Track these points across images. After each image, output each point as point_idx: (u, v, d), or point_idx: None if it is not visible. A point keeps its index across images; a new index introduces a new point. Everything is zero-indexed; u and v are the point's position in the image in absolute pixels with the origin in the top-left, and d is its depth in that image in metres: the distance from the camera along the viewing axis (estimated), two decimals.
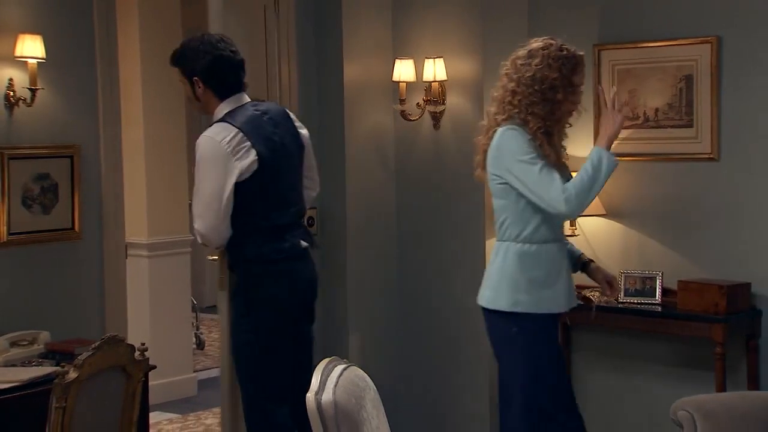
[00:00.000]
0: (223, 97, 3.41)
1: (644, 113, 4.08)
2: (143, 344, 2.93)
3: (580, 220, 4.20)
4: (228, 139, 3.34)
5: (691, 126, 3.95)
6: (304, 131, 3.53)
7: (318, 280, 3.56)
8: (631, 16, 4.11)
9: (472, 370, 4.33)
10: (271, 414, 3.40)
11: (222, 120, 3.39)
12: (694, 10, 3.93)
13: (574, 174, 3.16)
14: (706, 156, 3.91)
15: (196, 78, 3.41)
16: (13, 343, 3.34)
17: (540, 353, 3.13)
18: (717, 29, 3.85)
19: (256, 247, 3.36)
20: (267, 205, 3.36)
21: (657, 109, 4.05)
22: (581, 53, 3.18)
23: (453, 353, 4.40)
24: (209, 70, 3.39)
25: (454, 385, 4.40)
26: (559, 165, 3.15)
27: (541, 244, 3.11)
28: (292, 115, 3.52)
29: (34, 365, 3.25)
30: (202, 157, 3.33)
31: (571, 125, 3.23)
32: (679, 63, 3.93)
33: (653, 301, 3.93)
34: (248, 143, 3.33)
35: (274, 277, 3.34)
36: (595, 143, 3.15)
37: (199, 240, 3.38)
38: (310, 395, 2.57)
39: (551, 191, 3.02)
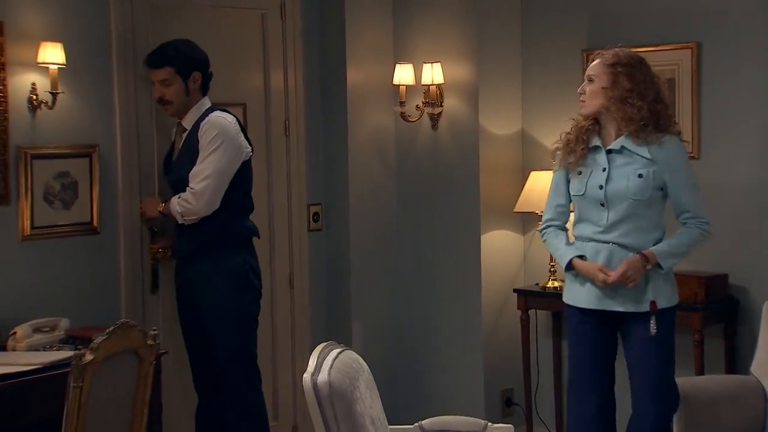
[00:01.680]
0: (206, 91, 3.74)
1: None
2: (155, 329, 3.13)
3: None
4: (234, 122, 3.67)
5: None
6: None
7: None
8: (617, 23, 4.24)
9: (466, 356, 4.51)
10: (258, 376, 3.76)
11: (214, 109, 3.68)
12: (676, 17, 4.06)
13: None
14: (689, 155, 4.04)
15: (196, 72, 3.67)
16: (36, 330, 3.45)
17: (569, 342, 3.37)
18: (697, 36, 3.99)
19: (242, 224, 3.69)
20: (248, 188, 3.72)
21: None
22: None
23: (449, 340, 4.57)
24: (207, 64, 3.71)
25: (449, 369, 4.57)
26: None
27: (581, 242, 3.28)
28: None
29: (55, 350, 3.39)
30: (224, 132, 3.60)
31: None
32: (662, 67, 4.06)
33: None
34: (240, 131, 3.66)
35: (251, 251, 3.72)
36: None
37: (186, 213, 3.62)
38: (306, 376, 2.73)
39: None
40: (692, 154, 4.03)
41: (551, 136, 4.44)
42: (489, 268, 4.47)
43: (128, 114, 3.94)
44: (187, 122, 3.74)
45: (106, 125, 3.88)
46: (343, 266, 4.60)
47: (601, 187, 3.16)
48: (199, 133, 3.64)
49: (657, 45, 4.08)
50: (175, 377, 3.95)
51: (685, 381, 3.42)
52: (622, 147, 3.16)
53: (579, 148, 3.23)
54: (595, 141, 3.24)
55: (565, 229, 3.41)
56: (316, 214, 4.61)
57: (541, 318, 4.51)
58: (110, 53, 3.88)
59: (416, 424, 3.14)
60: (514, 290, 4.45)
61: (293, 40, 4.45)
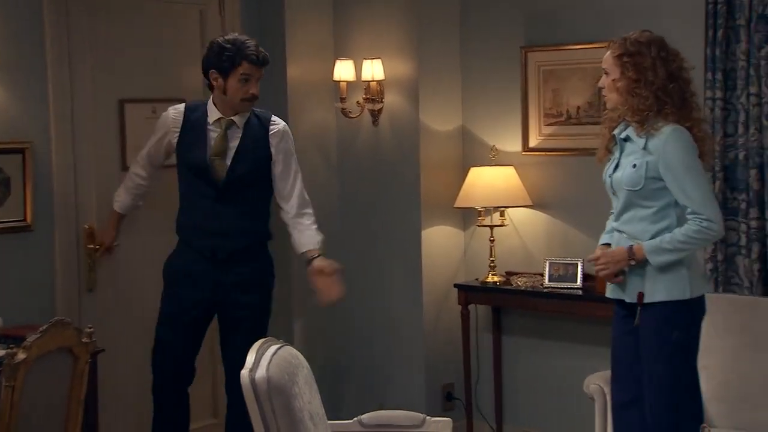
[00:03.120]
0: None
1: (567, 111, 4.30)
2: (90, 327, 3.09)
3: (509, 211, 4.43)
4: None
5: None
6: None
7: None
8: (554, 21, 4.31)
9: (407, 351, 4.54)
10: None
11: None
12: (611, 15, 4.13)
13: None
14: None
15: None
16: None
17: None
18: (630, 32, 4.08)
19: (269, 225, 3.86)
20: None
21: (578, 107, 4.26)
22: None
23: (390, 335, 4.60)
24: None
25: (391, 364, 4.60)
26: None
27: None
28: None
29: None
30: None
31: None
32: (598, 65, 4.10)
33: (575, 286, 4.14)
34: None
35: None
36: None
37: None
38: (244, 372, 2.73)
39: None
40: None
41: (491, 131, 4.54)
42: (430, 264, 4.51)
43: (63, 112, 3.89)
44: (239, 119, 3.71)
45: (41, 123, 3.84)
46: (285, 263, 4.59)
47: (610, 175, 3.15)
48: (271, 134, 3.74)
49: (593, 43, 4.14)
50: (112, 375, 3.91)
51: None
52: (627, 136, 3.10)
53: (607, 142, 3.19)
54: (617, 130, 3.16)
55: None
56: None
57: (481, 313, 4.55)
58: (44, 50, 3.83)
59: (355, 419, 3.15)
60: (455, 285, 4.49)
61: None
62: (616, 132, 3.15)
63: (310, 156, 4.61)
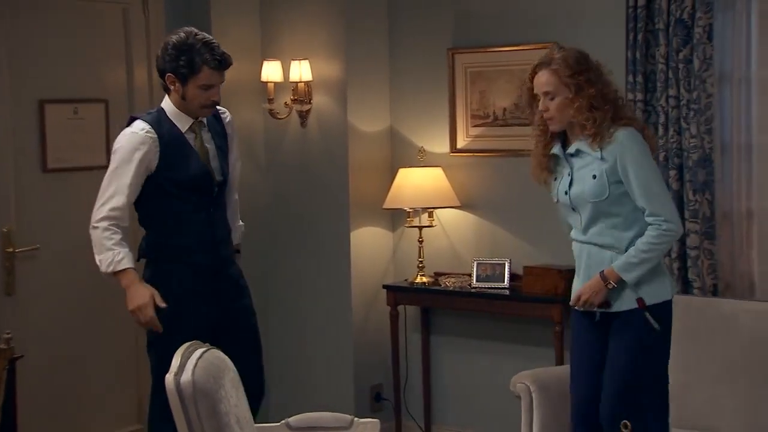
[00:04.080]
0: None
1: (494, 112, 4.34)
2: (8, 332, 3.02)
3: (437, 212, 4.45)
4: None
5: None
6: None
7: None
8: (481, 23, 4.35)
9: (336, 352, 4.53)
10: None
11: None
12: (536, 18, 4.19)
13: None
14: None
15: None
16: None
17: None
18: (556, 36, 4.09)
19: None
20: None
21: (505, 109, 4.31)
22: None
23: (319, 336, 4.59)
24: None
25: (320, 365, 4.59)
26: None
27: (574, 243, 3.20)
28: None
29: None
30: None
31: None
32: (524, 66, 4.09)
33: (502, 286, 4.18)
34: None
35: None
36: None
37: None
38: (169, 376, 2.70)
39: None
40: None
41: (419, 133, 4.56)
42: (358, 265, 4.51)
43: None
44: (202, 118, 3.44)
45: None
46: None
47: (566, 192, 3.11)
48: (226, 123, 3.47)
49: (519, 45, 4.20)
50: (30, 381, 3.80)
51: (544, 371, 3.54)
52: (577, 150, 3.07)
53: (545, 161, 3.15)
54: (555, 148, 3.13)
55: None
56: None
57: (410, 313, 4.57)
58: None
59: (283, 421, 3.13)
60: (384, 286, 4.50)
61: (157, 36, 4.35)
62: (556, 150, 3.13)
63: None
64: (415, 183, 4.37)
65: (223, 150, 3.46)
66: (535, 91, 3.11)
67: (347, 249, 4.48)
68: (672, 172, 3.77)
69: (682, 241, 3.75)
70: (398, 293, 4.45)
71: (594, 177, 3.03)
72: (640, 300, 3.05)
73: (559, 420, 3.37)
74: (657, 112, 3.80)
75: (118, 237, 3.24)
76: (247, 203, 4.59)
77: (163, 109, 3.37)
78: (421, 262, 4.41)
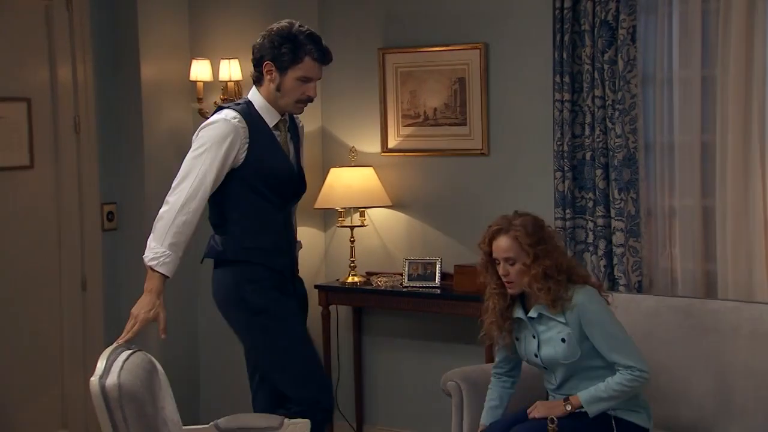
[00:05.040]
0: None
1: (424, 112, 4.36)
2: None
3: (369, 212, 4.45)
4: None
5: (465, 124, 4.26)
6: None
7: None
8: (411, 23, 4.37)
9: None
10: None
11: None
12: (466, 18, 4.22)
13: None
14: (478, 151, 4.25)
15: None
16: None
17: None
18: (485, 36, 4.18)
19: None
20: None
21: (435, 109, 4.34)
22: None
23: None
24: None
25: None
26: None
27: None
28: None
29: None
30: None
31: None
32: (453, 67, 4.25)
33: (433, 285, 4.20)
34: None
35: None
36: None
37: None
38: (94, 379, 2.66)
39: None
40: (482, 151, 4.23)
41: (350, 133, 4.56)
42: None
43: None
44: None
45: None
46: (140, 266, 4.45)
47: (536, 354, 3.13)
48: (300, 128, 3.33)
49: (448, 45, 4.24)
50: None
51: (474, 369, 3.56)
52: (540, 314, 3.10)
53: (506, 324, 3.16)
54: (518, 312, 3.15)
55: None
56: (110, 213, 4.47)
57: (342, 313, 4.56)
58: None
59: (212, 423, 3.09)
60: (315, 286, 4.48)
61: (81, 33, 4.30)
62: (519, 314, 3.14)
63: (165, 157, 4.49)
64: (347, 183, 4.36)
65: (298, 153, 3.32)
66: (494, 256, 3.10)
67: None
68: (598, 171, 3.83)
69: (608, 239, 3.82)
70: (330, 293, 4.44)
71: (563, 341, 3.08)
72: (616, 419, 3.08)
73: None
74: (584, 112, 3.86)
75: (184, 237, 3.11)
76: None
77: (251, 101, 3.19)
78: (352, 261, 4.41)
